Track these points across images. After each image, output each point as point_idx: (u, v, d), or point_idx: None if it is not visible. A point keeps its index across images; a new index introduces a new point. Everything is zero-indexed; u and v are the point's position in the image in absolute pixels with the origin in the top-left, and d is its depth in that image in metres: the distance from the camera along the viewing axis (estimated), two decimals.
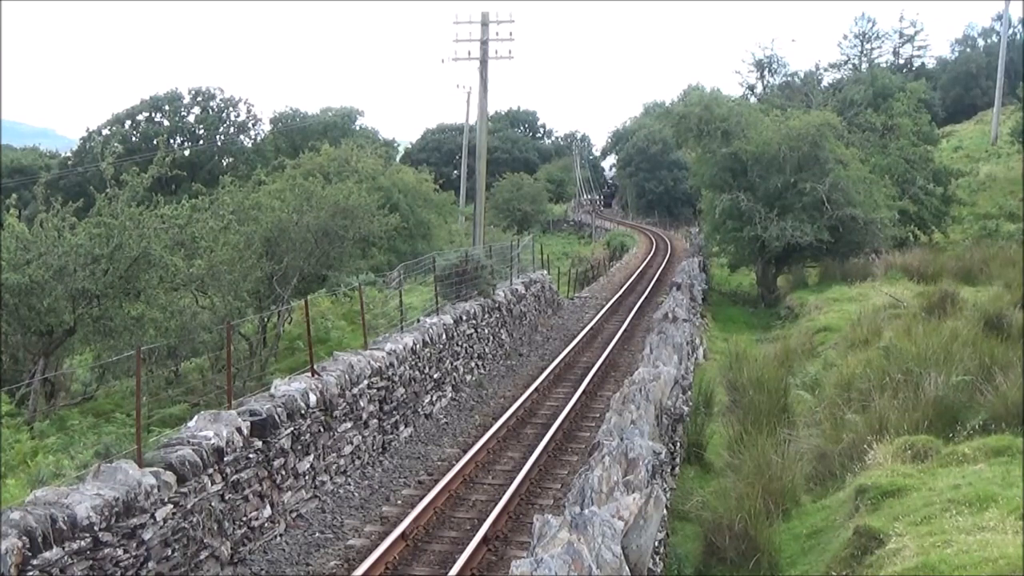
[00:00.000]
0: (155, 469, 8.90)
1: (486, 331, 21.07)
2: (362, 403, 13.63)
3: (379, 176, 33.91)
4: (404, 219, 30.44)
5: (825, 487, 11.22)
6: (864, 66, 65.65)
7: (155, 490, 8.69)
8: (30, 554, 7.14)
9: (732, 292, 38.48)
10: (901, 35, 74.03)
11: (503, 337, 22.63)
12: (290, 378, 12.48)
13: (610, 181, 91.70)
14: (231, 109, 63.17)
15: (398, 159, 70.77)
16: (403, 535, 10.77)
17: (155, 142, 37.91)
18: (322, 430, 12.34)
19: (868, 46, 72.46)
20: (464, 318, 19.42)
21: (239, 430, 10.37)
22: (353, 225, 23.86)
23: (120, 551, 8.14)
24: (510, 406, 16.92)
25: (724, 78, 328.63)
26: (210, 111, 62.19)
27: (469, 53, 31.62)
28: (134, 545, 8.35)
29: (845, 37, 75.06)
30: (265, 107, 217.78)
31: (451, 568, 9.87)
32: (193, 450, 9.48)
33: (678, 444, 12.90)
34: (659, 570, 8.58)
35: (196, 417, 10.40)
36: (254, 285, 20.55)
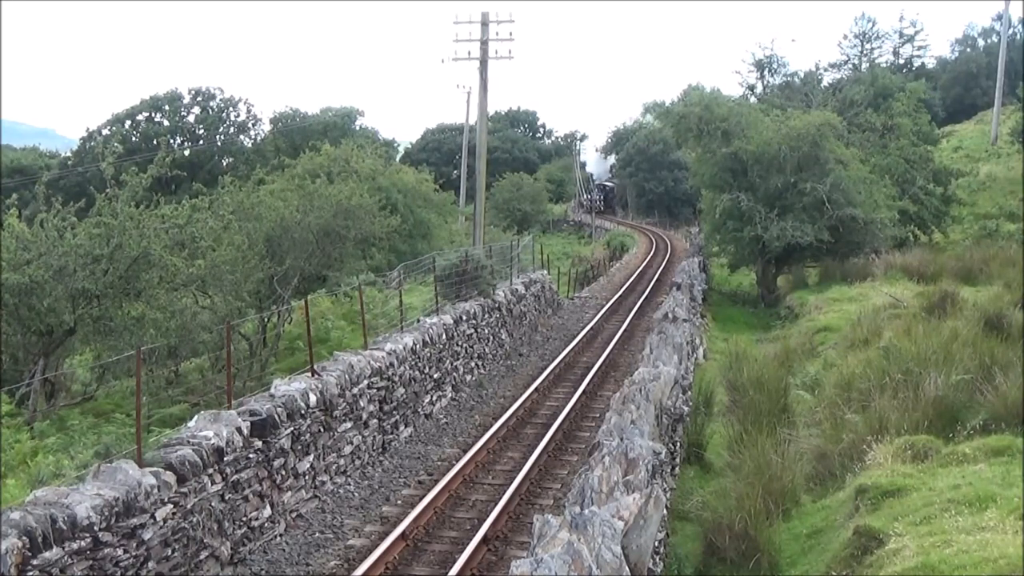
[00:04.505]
0: (155, 469, 8.90)
1: (486, 331, 21.07)
2: (362, 403, 13.63)
3: (379, 176, 33.90)
4: (404, 219, 30.43)
5: (825, 487, 11.23)
6: (864, 66, 65.68)
7: (155, 490, 8.69)
8: (30, 554, 7.14)
9: (732, 292, 38.47)
10: (901, 35, 74.07)
11: (503, 337, 22.63)
12: (290, 378, 12.48)
13: (596, 182, 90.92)
14: (231, 109, 63.10)
15: (398, 159, 70.72)
16: (403, 535, 10.77)
17: (155, 142, 37.95)
18: (322, 430, 12.34)
19: (868, 46, 72.52)
20: (464, 318, 19.42)
21: (239, 430, 10.37)
22: (354, 225, 23.87)
23: (120, 551, 8.14)
24: (510, 406, 16.92)
25: (724, 78, 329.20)
26: (210, 111, 62.13)
27: (469, 53, 31.62)
28: (134, 545, 8.35)
29: (845, 37, 75.06)
30: (265, 107, 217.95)
31: (451, 568, 9.88)
32: (193, 450, 9.48)
33: (678, 444, 12.90)
34: (659, 570, 8.58)
35: (196, 417, 10.40)
36: (255, 285, 20.55)
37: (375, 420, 14.16)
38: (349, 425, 13.18)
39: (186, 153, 57.60)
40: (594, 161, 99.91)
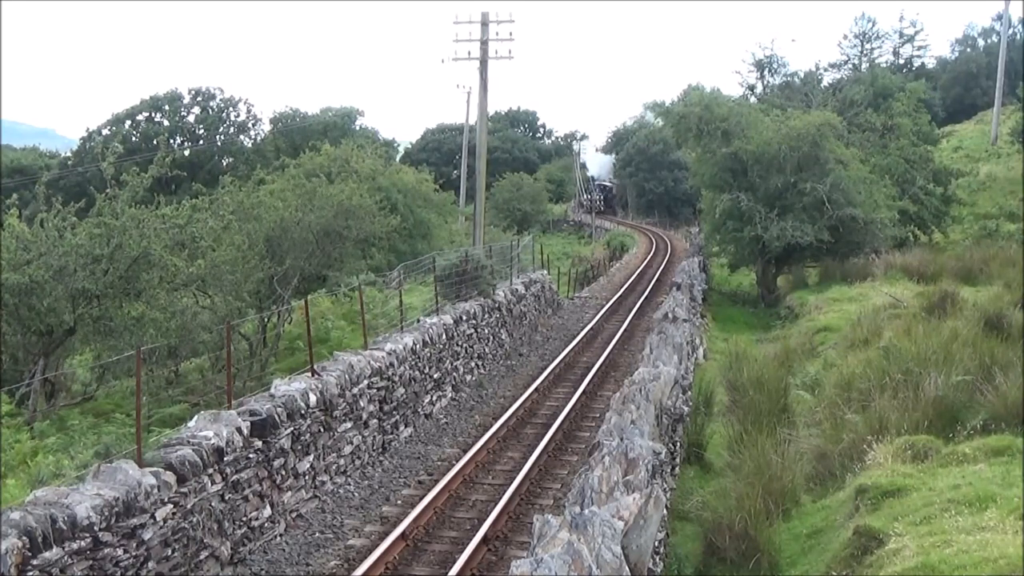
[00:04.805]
0: (155, 469, 8.90)
1: (486, 331, 21.07)
2: (362, 403, 13.63)
3: (379, 176, 33.90)
4: (404, 219, 30.43)
5: (825, 487, 11.23)
6: (864, 66, 65.67)
7: (155, 490, 8.69)
8: (30, 554, 7.14)
9: (732, 292, 38.47)
10: (901, 35, 74.08)
11: (503, 337, 22.63)
12: (290, 378, 12.48)
13: (597, 181, 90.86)
14: (231, 109, 63.11)
15: (398, 159, 70.72)
16: (403, 535, 10.77)
17: (155, 142, 37.90)
18: (322, 430, 12.34)
19: (868, 46, 72.53)
20: (464, 318, 19.42)
21: (239, 430, 10.37)
22: (355, 225, 23.87)
23: (120, 551, 8.14)
24: (510, 406, 16.92)
25: (724, 78, 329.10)
26: (210, 111, 62.13)
27: (469, 53, 31.62)
28: (134, 545, 8.35)
29: (845, 37, 75.08)
30: (265, 107, 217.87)
31: (451, 568, 9.88)
32: (193, 450, 9.48)
33: (678, 444, 12.90)
34: (659, 570, 8.58)
35: (196, 417, 10.41)
36: (255, 285, 20.54)
37: (375, 420, 14.16)
38: (349, 425, 13.18)
39: (186, 153, 57.59)
40: (595, 159, 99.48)
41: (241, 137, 63.25)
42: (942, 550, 7.14)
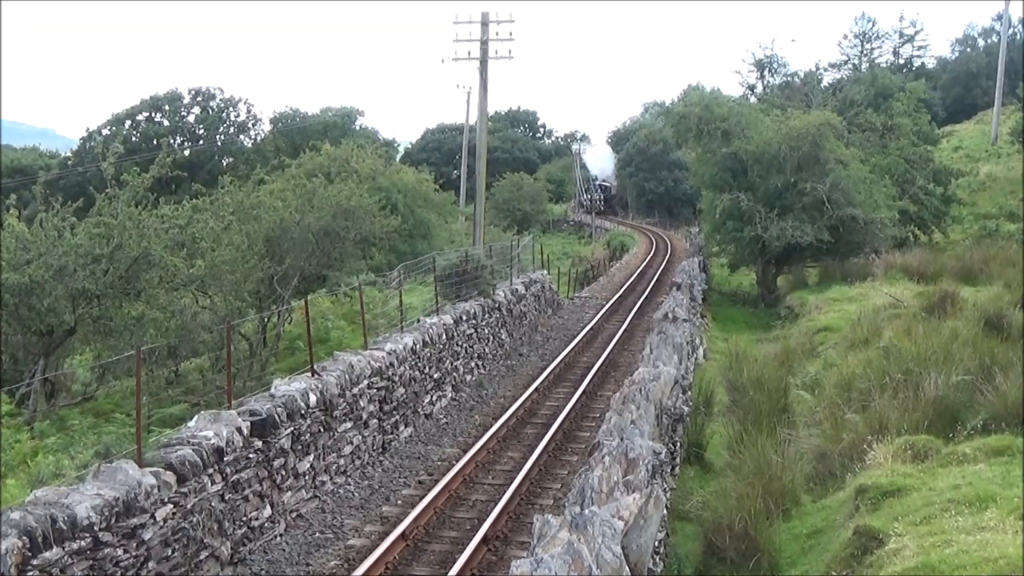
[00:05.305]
0: (155, 469, 8.90)
1: (486, 331, 21.07)
2: (362, 403, 13.63)
3: (379, 176, 33.91)
4: (404, 219, 30.43)
5: (825, 487, 11.23)
6: (864, 66, 65.65)
7: (155, 490, 8.69)
8: (30, 554, 7.14)
9: (732, 292, 38.47)
10: (901, 35, 74.05)
11: (503, 337, 22.63)
12: (290, 378, 12.48)
13: (597, 181, 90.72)
14: (231, 109, 63.18)
15: (398, 159, 70.77)
16: (403, 535, 10.78)
17: (156, 142, 37.93)
18: (322, 430, 12.34)
19: (868, 46, 72.52)
20: (464, 318, 19.42)
21: (239, 430, 10.37)
22: (354, 226, 23.88)
23: (120, 551, 8.15)
24: (510, 406, 16.93)
25: (724, 78, 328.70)
26: (210, 111, 62.18)
27: (469, 53, 31.63)
28: (134, 545, 8.35)
29: (845, 37, 75.02)
30: (265, 107, 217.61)
31: (451, 568, 9.88)
32: (193, 450, 9.48)
33: (678, 444, 12.90)
34: (659, 570, 8.58)
35: (196, 417, 10.41)
36: (255, 285, 20.54)
37: (375, 420, 14.16)
38: (349, 425, 13.18)
39: (186, 153, 57.64)
40: (595, 155, 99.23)
41: (241, 137, 63.33)
42: (942, 550, 7.14)
